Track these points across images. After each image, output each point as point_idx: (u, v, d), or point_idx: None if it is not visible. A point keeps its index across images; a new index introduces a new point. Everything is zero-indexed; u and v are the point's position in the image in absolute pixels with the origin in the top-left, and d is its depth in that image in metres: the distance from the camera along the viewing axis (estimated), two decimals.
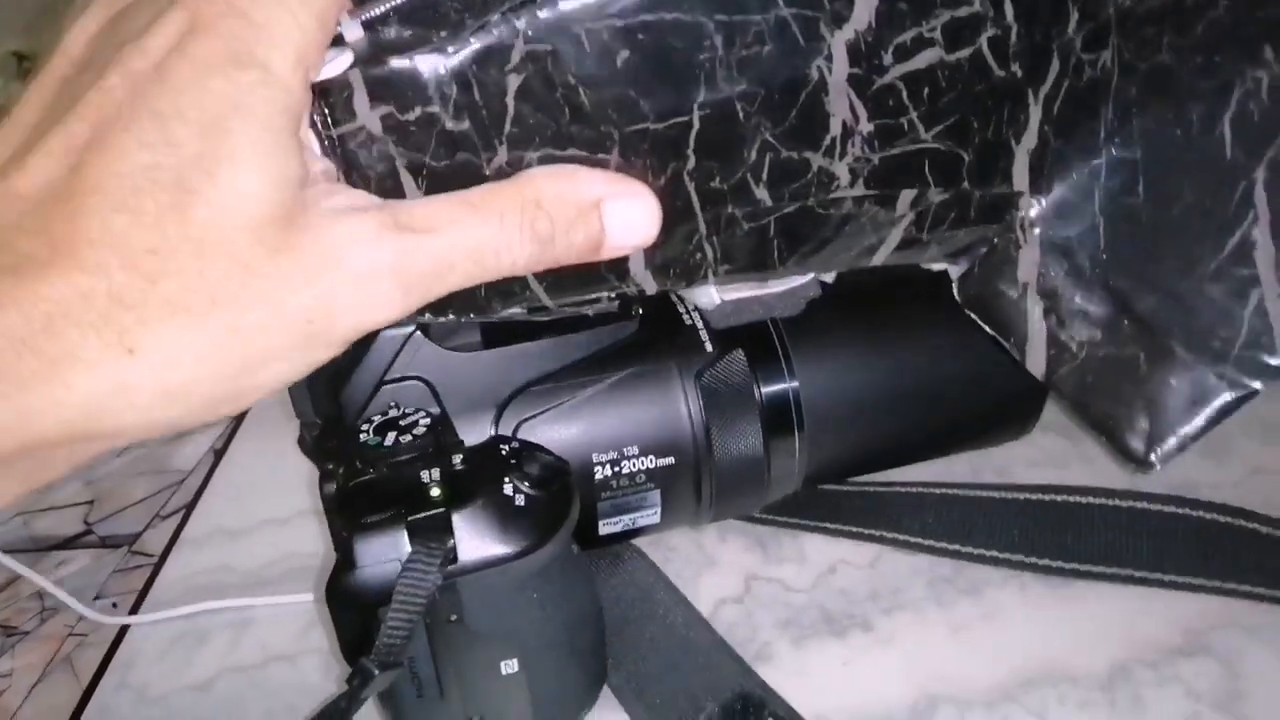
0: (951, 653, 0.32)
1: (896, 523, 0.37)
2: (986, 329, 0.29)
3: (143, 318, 0.18)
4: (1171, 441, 0.26)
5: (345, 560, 0.26)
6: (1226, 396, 0.26)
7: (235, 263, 0.19)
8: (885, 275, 0.39)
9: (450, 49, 0.22)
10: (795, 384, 0.35)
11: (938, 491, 0.37)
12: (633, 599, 0.34)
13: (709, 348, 0.34)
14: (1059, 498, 0.35)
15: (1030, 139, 0.27)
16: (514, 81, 0.22)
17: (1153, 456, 0.26)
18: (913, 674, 0.32)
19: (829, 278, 0.34)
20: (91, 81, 0.19)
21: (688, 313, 0.35)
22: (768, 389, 0.34)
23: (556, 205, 0.22)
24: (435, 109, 0.22)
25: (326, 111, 0.22)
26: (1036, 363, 0.28)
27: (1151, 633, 0.32)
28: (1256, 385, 0.26)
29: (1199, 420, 0.26)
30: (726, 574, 0.36)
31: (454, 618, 0.27)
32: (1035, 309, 0.28)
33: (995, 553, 0.35)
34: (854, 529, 0.37)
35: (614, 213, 0.23)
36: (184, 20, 0.19)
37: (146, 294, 0.18)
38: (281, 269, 0.19)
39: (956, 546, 0.36)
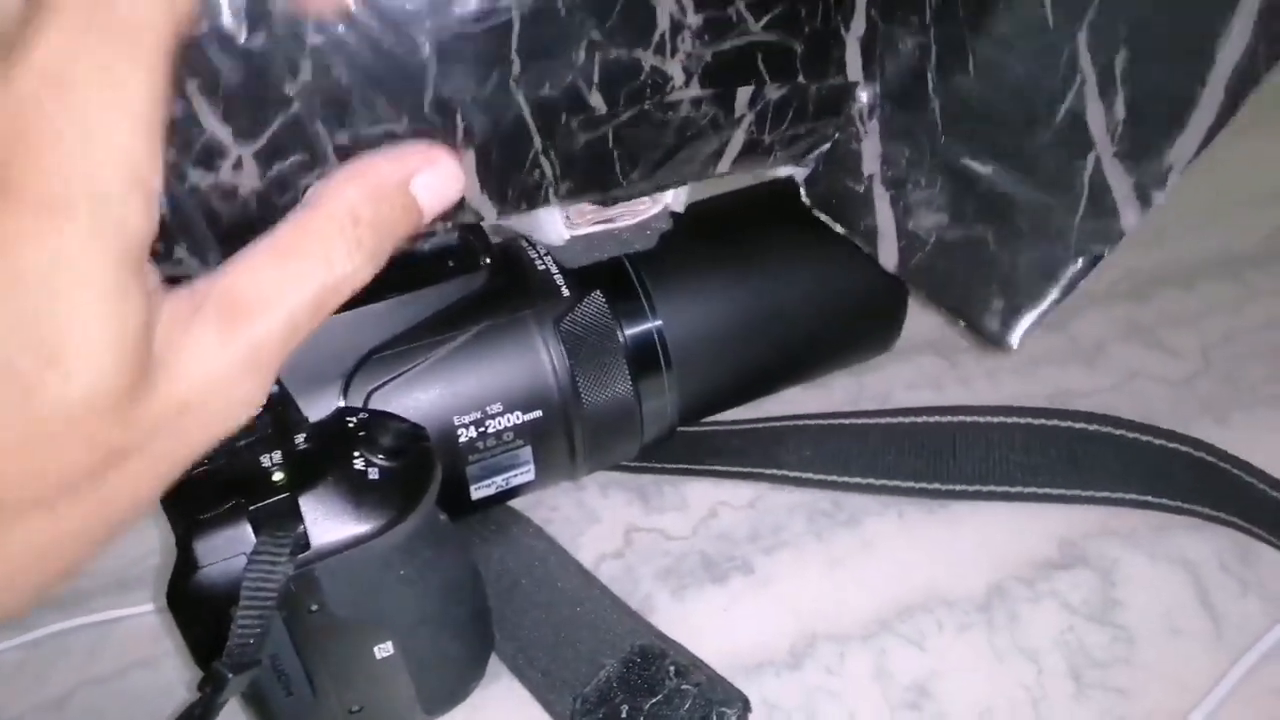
0: (830, 588, 0.33)
1: (775, 458, 0.37)
2: (837, 228, 0.30)
3: None
4: (1027, 317, 0.27)
5: (185, 561, 0.25)
6: (1075, 265, 0.27)
7: (89, 449, 0.18)
8: (734, 200, 0.39)
9: None
10: (658, 321, 0.35)
11: (814, 423, 0.38)
12: (520, 565, 0.34)
13: (565, 292, 0.34)
14: (932, 419, 0.36)
15: (859, 25, 0.27)
16: None
17: (1009, 335, 0.27)
18: (792, 613, 0.33)
19: (679, 207, 0.34)
20: None
21: (539, 258, 0.35)
22: (630, 329, 0.34)
23: (372, 212, 0.21)
24: (227, 28, 0.21)
25: None
26: (889, 256, 0.29)
27: (1027, 548, 0.34)
28: (1102, 250, 0.27)
29: (1052, 292, 0.27)
30: (608, 528, 0.37)
31: (315, 608, 0.27)
32: (882, 201, 0.29)
33: (872, 480, 0.36)
34: (734, 469, 0.38)
35: (422, 187, 0.23)
36: None
37: None
38: (140, 440, 0.18)
39: (835, 478, 0.37)
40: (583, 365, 0.34)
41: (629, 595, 0.34)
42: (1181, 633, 0.31)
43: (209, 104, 0.21)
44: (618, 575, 0.35)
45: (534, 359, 0.33)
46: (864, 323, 0.40)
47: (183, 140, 0.21)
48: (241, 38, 0.21)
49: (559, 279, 0.34)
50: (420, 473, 0.28)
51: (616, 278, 0.35)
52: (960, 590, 0.33)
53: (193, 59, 0.20)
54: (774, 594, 0.33)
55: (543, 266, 0.34)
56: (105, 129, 0.17)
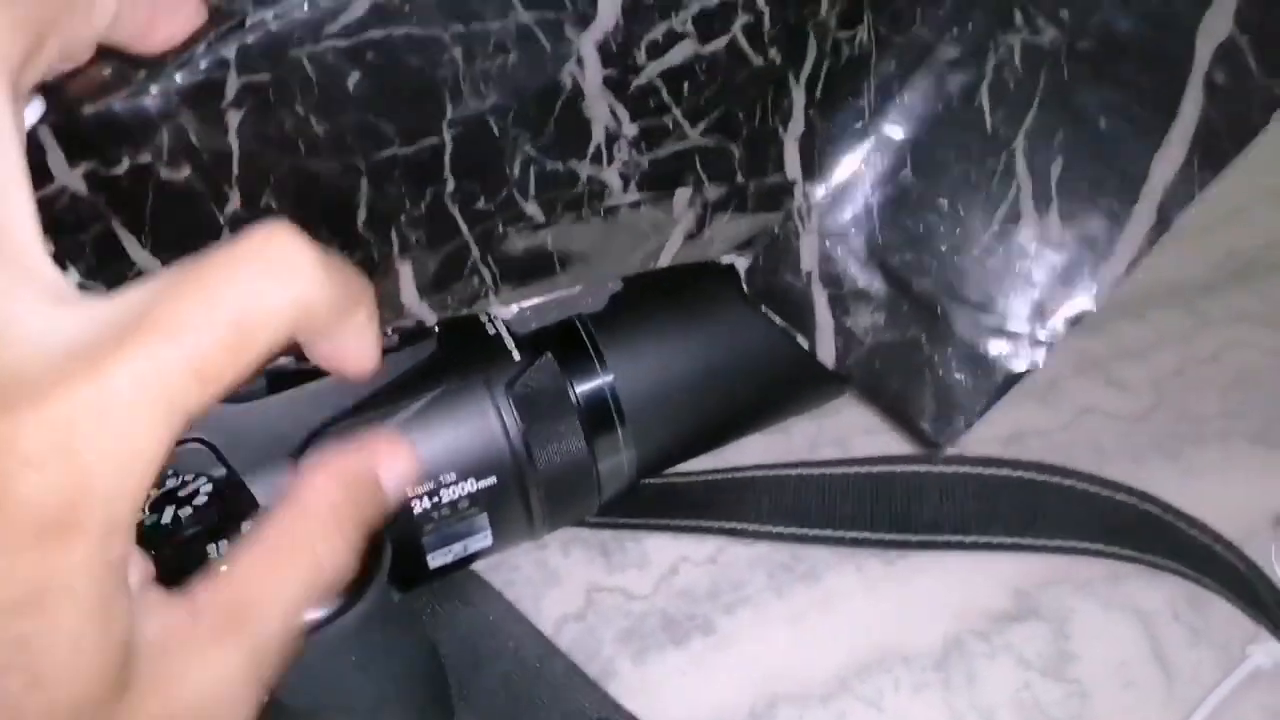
0: (790, 647, 0.34)
1: (734, 511, 0.38)
2: (776, 320, 0.30)
3: None
4: (959, 421, 0.28)
5: None
6: (1006, 372, 0.28)
7: None
8: None
9: (154, 89, 0.20)
10: (609, 378, 0.35)
11: (772, 474, 0.38)
12: (479, 635, 0.34)
13: (516, 356, 0.34)
14: (887, 469, 0.37)
15: (797, 125, 0.28)
16: (234, 118, 0.21)
17: (943, 439, 0.28)
18: (752, 675, 0.33)
19: None
20: None
21: (490, 321, 0.35)
22: (582, 387, 0.35)
23: (352, 506, 0.23)
24: (146, 159, 0.21)
25: None
26: (826, 352, 0.30)
27: (982, 599, 0.35)
28: (1036, 358, 0.27)
29: (982, 399, 0.28)
30: (568, 589, 0.37)
31: (266, 699, 0.27)
32: (821, 297, 0.29)
33: (830, 532, 0.37)
34: (694, 523, 0.38)
35: (387, 475, 0.24)
36: None
37: None
38: None
39: (793, 530, 0.37)
40: (536, 428, 0.34)
41: (590, 660, 0.34)
42: (1135, 685, 0.32)
43: (136, 239, 0.22)
44: (579, 638, 0.35)
45: (486, 425, 0.33)
46: (819, 367, 0.41)
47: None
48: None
49: (509, 341, 0.34)
50: (372, 553, 0.28)
51: (567, 337, 0.35)
52: (917, 646, 0.33)
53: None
54: (734, 655, 0.34)
55: (493, 330, 0.34)
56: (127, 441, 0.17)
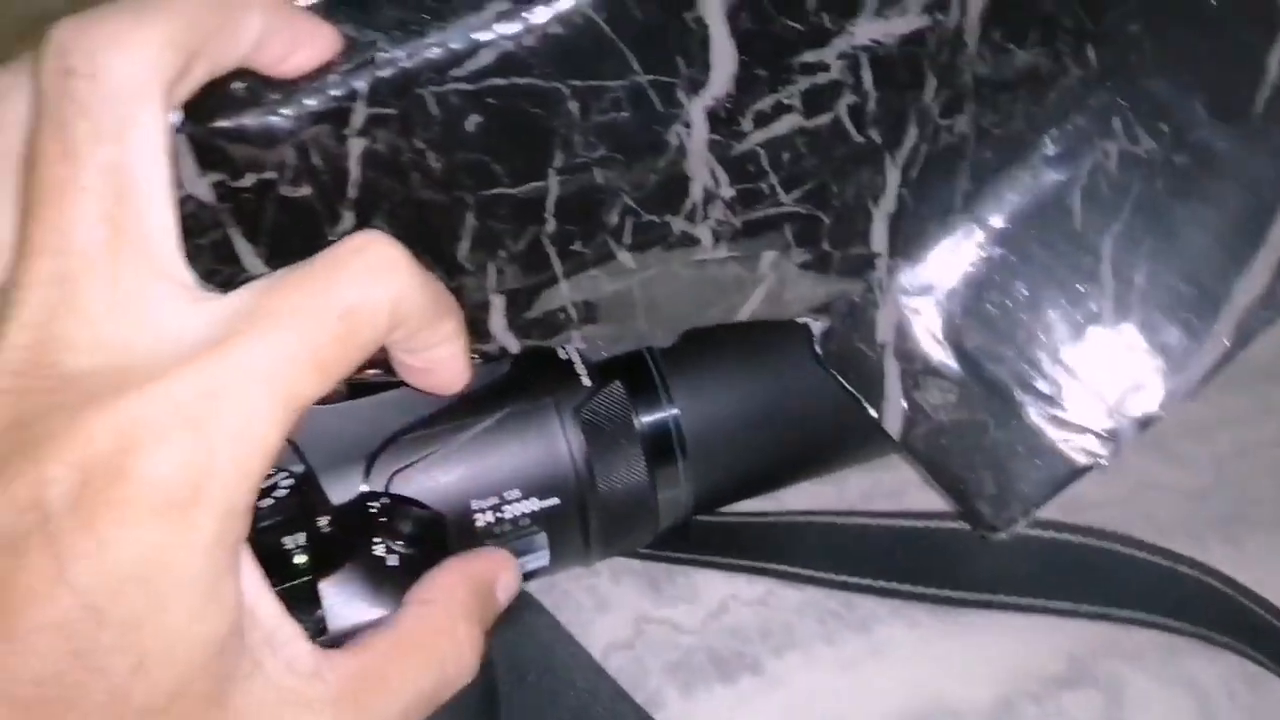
0: (839, 694, 0.34)
1: (787, 554, 0.38)
2: (846, 386, 0.31)
3: None
4: (1016, 508, 0.28)
5: None
6: (1071, 465, 0.28)
7: None
8: None
9: (285, 111, 0.22)
10: (675, 410, 0.35)
11: (825, 520, 0.38)
12: (529, 653, 0.35)
13: (586, 381, 0.35)
14: (945, 524, 0.37)
15: (889, 203, 0.29)
16: (357, 146, 0.22)
17: (999, 522, 0.28)
18: (800, 718, 0.33)
19: None
20: None
21: (562, 346, 0.36)
22: (647, 418, 0.35)
23: (478, 612, 0.26)
24: (271, 175, 0.22)
25: None
26: (893, 423, 0.30)
27: (1036, 662, 0.34)
28: (1102, 455, 0.28)
29: (1044, 488, 0.28)
30: (618, 617, 0.37)
31: None
32: (892, 370, 0.30)
33: (883, 582, 0.37)
34: (746, 562, 0.38)
35: (502, 587, 0.28)
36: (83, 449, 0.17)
37: None
38: None
39: (846, 577, 0.37)
40: (600, 453, 0.34)
41: (637, 689, 0.34)
42: None
43: (252, 247, 0.23)
44: (626, 666, 0.35)
45: (553, 447, 0.34)
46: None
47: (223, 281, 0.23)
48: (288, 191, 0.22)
49: (579, 367, 0.35)
50: (436, 561, 0.29)
51: (636, 367, 0.36)
52: (967, 702, 0.33)
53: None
54: (783, 697, 0.34)
55: (565, 355, 0.35)
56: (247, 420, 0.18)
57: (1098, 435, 0.28)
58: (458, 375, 0.25)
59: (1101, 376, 0.28)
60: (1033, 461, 0.29)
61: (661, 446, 0.36)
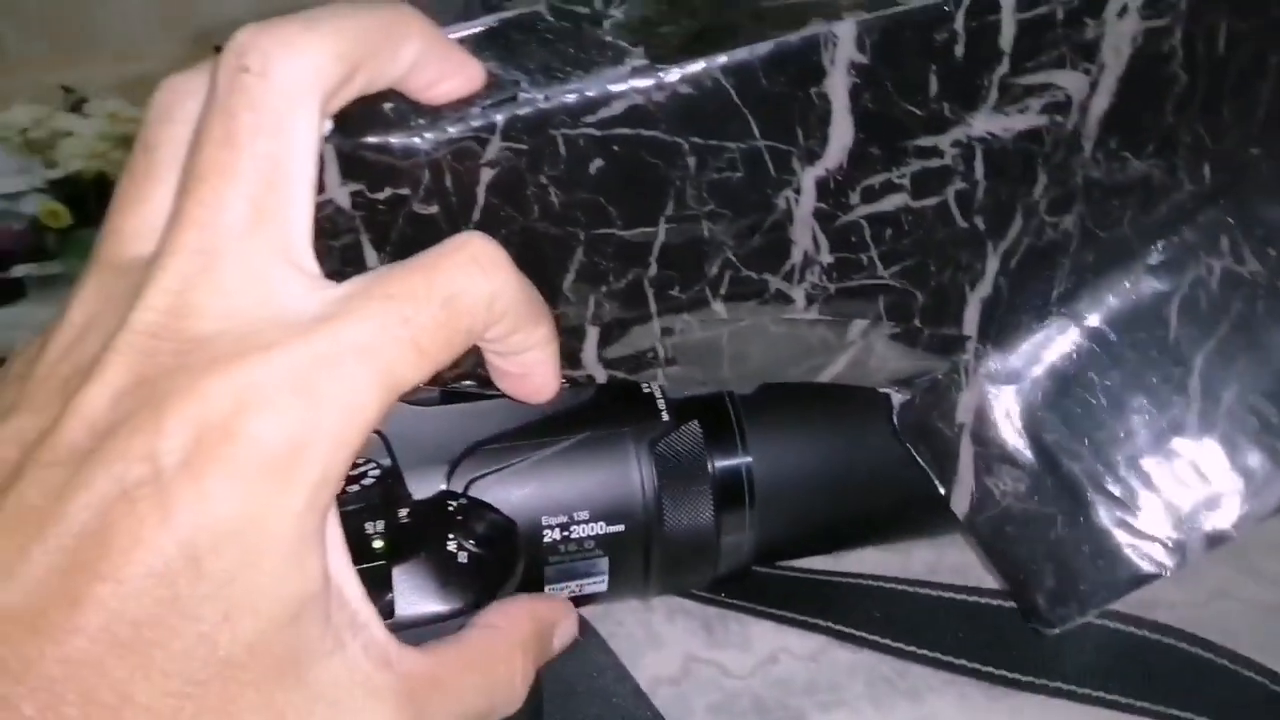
0: None
1: (843, 614, 0.38)
2: (919, 459, 0.31)
3: None
4: (1074, 606, 0.29)
5: None
6: (1134, 572, 0.28)
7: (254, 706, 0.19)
8: None
9: (428, 135, 0.23)
10: (748, 458, 0.36)
11: (886, 586, 0.39)
12: (577, 673, 0.36)
13: (665, 417, 0.36)
14: (1007, 603, 0.37)
15: (985, 288, 0.29)
16: (487, 174, 0.24)
17: (1054, 620, 0.29)
18: None
19: None
20: (56, 485, 0.18)
21: (646, 382, 0.37)
22: (721, 462, 0.36)
23: (536, 650, 0.27)
24: (405, 191, 0.24)
25: None
26: (960, 503, 0.30)
27: None
28: (1167, 565, 0.28)
29: (1105, 591, 0.29)
30: (668, 654, 0.38)
31: None
32: (967, 452, 0.30)
33: (938, 654, 0.37)
34: (800, 617, 0.39)
35: (559, 633, 0.30)
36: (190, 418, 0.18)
37: None
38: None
39: (900, 645, 0.37)
40: (670, 488, 0.35)
41: None
42: None
43: (378, 254, 0.25)
44: (670, 702, 0.36)
45: (626, 475, 0.35)
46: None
47: None
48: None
49: (660, 403, 0.36)
50: (505, 564, 0.30)
51: (715, 410, 0.37)
52: None
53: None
54: None
55: (647, 389, 0.37)
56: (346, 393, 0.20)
57: (1165, 545, 0.28)
58: (547, 383, 0.26)
59: (1177, 488, 0.28)
60: (1096, 563, 0.29)
61: (731, 491, 0.37)
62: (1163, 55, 0.27)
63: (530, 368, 0.26)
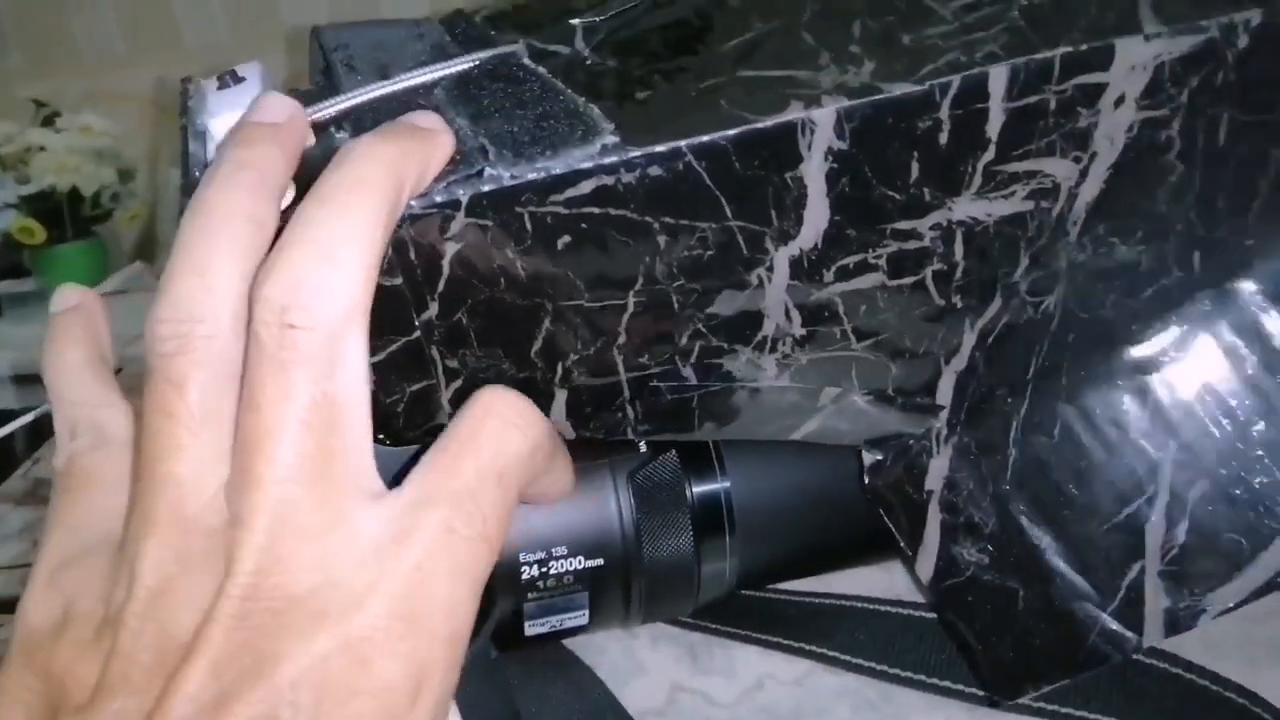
0: None
1: (827, 637, 0.39)
2: (886, 522, 0.32)
3: None
4: (1028, 682, 0.29)
5: None
6: (1092, 652, 0.29)
7: None
8: None
9: None
10: (726, 484, 0.37)
11: (870, 607, 0.39)
12: (561, 706, 0.36)
13: (643, 447, 0.36)
14: None
15: (960, 361, 0.29)
16: (451, 248, 0.24)
17: (1005, 693, 0.29)
18: None
19: None
20: None
21: None
22: (699, 489, 0.37)
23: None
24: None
25: None
26: (924, 569, 0.31)
27: None
28: (1126, 647, 0.28)
29: (1060, 668, 0.29)
30: (653, 683, 0.38)
31: None
32: (934, 519, 0.31)
33: (922, 676, 0.37)
34: (785, 641, 0.39)
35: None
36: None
37: None
38: None
39: (885, 667, 0.38)
40: (649, 519, 0.36)
41: None
42: None
43: None
44: None
45: (604, 508, 0.36)
46: None
47: None
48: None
49: None
50: (482, 604, 0.31)
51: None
52: None
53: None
54: None
55: None
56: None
57: (1126, 626, 0.28)
58: (564, 493, 0.28)
59: (1140, 570, 0.29)
60: (1054, 640, 0.30)
61: (711, 519, 0.37)
62: (1159, 145, 0.26)
63: (553, 485, 0.27)
